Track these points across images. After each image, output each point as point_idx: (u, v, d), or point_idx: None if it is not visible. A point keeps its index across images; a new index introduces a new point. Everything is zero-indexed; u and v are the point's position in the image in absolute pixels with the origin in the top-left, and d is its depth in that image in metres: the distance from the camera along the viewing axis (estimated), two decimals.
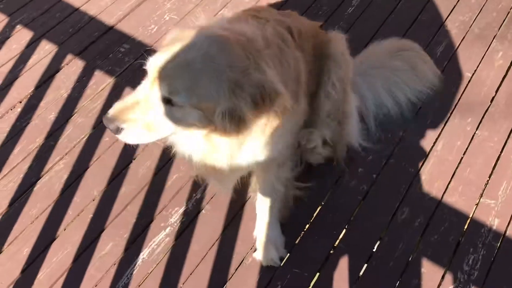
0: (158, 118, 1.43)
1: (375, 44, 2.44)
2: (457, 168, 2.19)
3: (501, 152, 2.23)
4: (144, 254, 1.97)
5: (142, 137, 1.49)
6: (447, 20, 2.74)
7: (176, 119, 1.43)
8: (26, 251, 1.97)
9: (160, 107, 1.41)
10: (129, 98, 1.46)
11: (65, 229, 2.03)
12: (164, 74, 1.37)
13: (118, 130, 1.44)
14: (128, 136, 1.47)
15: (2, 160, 2.23)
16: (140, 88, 1.47)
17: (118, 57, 2.61)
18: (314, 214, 2.07)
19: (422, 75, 2.34)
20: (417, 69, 2.33)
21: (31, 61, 2.59)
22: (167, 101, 1.39)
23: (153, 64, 1.40)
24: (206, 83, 1.36)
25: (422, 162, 2.21)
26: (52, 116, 2.38)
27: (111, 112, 1.45)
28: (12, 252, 1.97)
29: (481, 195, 2.11)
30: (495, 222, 2.03)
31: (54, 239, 2.01)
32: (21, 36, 2.70)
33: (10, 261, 1.95)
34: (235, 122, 1.40)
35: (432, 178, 2.16)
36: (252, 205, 2.04)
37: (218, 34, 1.45)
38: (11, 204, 2.10)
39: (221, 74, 1.36)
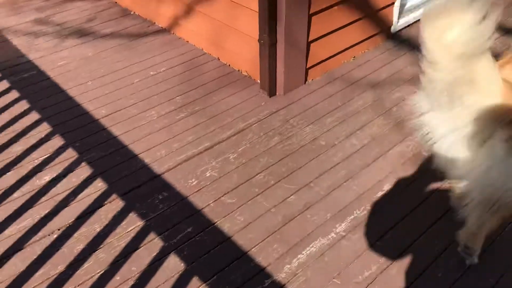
0: None
1: None
2: None
3: None
4: None
5: None
6: None
7: None
8: None
9: None
10: None
11: None
12: None
13: None
14: None
15: (22, 282, 2.44)
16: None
17: (155, 203, 2.87)
18: None
19: None
20: None
21: (81, 195, 2.94)
22: None
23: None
24: None
25: None
26: (79, 247, 2.61)
27: None
28: None
29: None
30: None
31: None
32: (83, 171, 3.11)
33: None
34: None
35: None
36: None
37: None
38: None
39: None
